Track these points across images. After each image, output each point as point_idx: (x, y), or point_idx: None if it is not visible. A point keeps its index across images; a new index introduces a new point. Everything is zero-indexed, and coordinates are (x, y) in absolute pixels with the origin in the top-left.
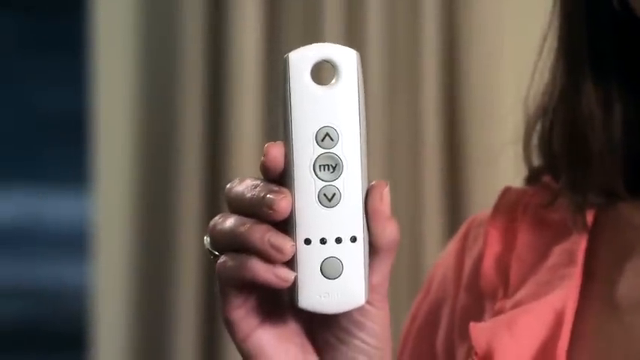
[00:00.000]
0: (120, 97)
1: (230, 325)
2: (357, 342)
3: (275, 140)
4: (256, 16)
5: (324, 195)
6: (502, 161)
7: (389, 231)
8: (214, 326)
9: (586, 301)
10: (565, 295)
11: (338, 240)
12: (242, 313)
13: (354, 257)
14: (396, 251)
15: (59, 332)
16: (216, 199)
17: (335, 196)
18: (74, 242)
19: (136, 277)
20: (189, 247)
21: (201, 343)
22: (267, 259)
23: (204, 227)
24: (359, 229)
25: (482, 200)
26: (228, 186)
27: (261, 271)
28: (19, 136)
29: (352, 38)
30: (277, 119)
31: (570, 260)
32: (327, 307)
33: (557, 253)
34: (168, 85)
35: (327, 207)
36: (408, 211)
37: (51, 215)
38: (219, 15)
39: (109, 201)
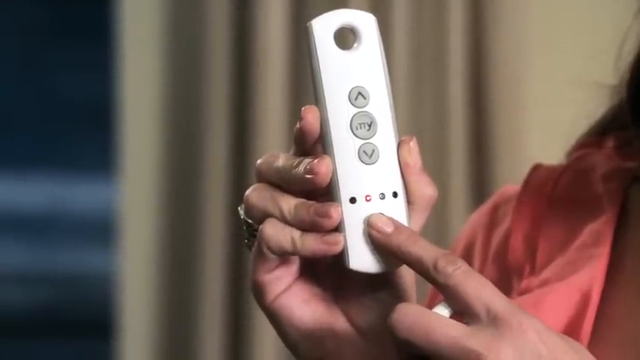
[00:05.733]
0: (147, 85)
1: (259, 287)
2: (386, 298)
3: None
4: (283, 6)
5: (364, 152)
6: (529, 150)
7: (423, 184)
8: (241, 313)
9: (614, 283)
10: (592, 275)
11: (382, 196)
12: (273, 276)
13: (397, 212)
14: (430, 208)
15: (86, 319)
16: (243, 187)
17: (374, 153)
18: (101, 229)
19: (162, 265)
20: (216, 234)
21: (228, 331)
22: (317, 230)
23: (231, 214)
24: (399, 184)
25: None
26: (259, 161)
27: (314, 245)
28: (47, 123)
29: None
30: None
31: (599, 240)
32: (377, 267)
33: (586, 232)
34: (195, 72)
35: (368, 164)
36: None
37: (78, 202)
38: (247, 2)
39: (136, 188)
